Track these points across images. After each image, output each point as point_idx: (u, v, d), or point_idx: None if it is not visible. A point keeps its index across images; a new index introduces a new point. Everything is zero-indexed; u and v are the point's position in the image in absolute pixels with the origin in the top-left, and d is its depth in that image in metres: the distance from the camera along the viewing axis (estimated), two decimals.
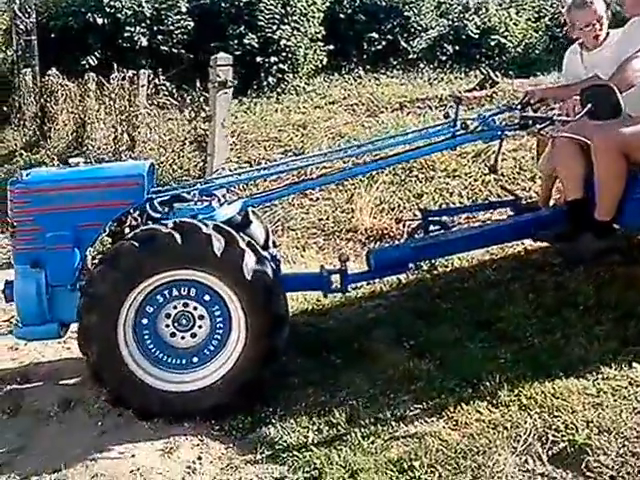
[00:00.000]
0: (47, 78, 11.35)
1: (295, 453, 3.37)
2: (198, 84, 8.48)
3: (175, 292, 3.74)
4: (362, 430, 3.47)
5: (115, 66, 9.74)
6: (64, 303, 3.89)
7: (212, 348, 3.79)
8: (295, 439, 3.47)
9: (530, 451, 3.18)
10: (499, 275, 5.17)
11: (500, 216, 5.87)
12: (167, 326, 3.78)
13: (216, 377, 3.75)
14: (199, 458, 3.45)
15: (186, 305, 3.76)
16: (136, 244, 3.58)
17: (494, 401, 3.56)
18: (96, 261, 3.90)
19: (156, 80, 9.00)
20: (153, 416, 3.75)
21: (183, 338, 3.79)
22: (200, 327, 3.78)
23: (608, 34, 4.99)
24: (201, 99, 8.25)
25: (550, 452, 3.17)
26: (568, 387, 3.58)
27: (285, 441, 3.46)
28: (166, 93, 8.70)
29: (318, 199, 7.64)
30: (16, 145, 11.38)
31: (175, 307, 3.76)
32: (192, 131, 7.86)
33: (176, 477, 3.34)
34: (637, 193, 4.17)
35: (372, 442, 3.37)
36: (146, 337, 3.76)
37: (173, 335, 3.79)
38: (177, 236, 3.56)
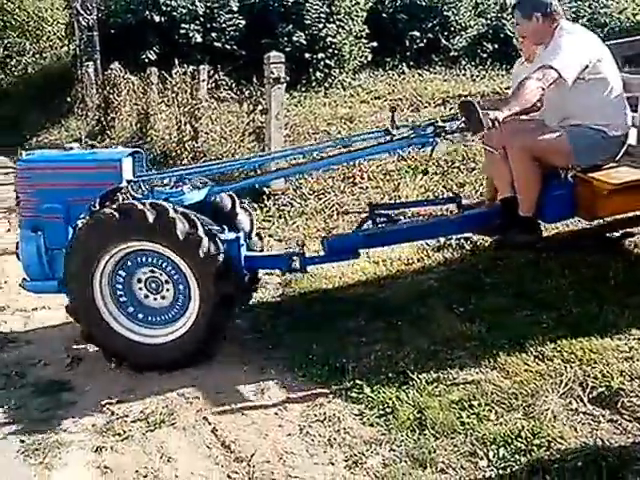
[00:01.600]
0: (110, 71, 11.92)
1: (369, 394, 3.92)
2: (255, 79, 9.01)
3: (144, 260, 4.41)
4: (426, 377, 4.01)
5: (176, 61, 10.30)
6: (61, 263, 4.54)
7: (175, 311, 4.46)
8: (368, 384, 4.01)
9: (573, 394, 3.69)
10: (536, 254, 5.65)
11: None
12: (140, 289, 4.49)
13: (176, 335, 4.43)
14: (287, 398, 4.03)
15: (153, 272, 4.43)
16: (115, 214, 4.24)
17: (539, 355, 4.08)
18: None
19: (216, 75, 9.54)
20: (117, 357, 4.52)
21: (155, 299, 4.48)
22: (167, 291, 4.45)
23: None
24: (258, 93, 8.78)
25: (590, 395, 3.67)
26: (603, 345, 4.08)
27: (360, 385, 4.01)
28: (226, 87, 9.24)
29: (367, 188, 8.18)
30: (80, 134, 11.98)
31: (145, 273, 4.45)
32: (251, 123, 8.40)
33: (269, 411, 3.91)
34: (551, 192, 4.73)
35: (435, 386, 3.91)
36: (120, 294, 4.46)
37: (146, 296, 4.50)
38: (149, 214, 4.19)
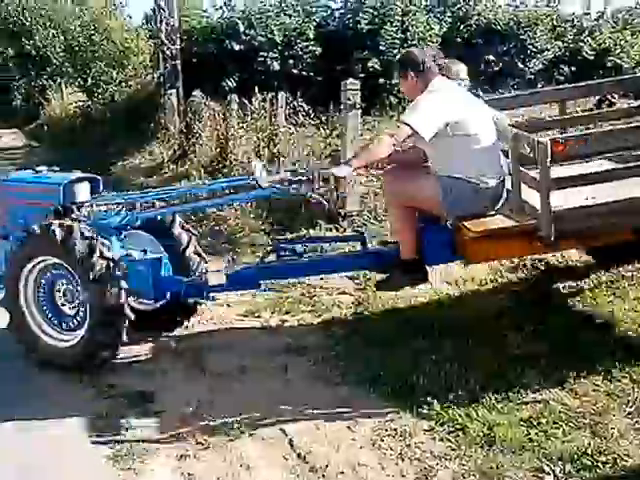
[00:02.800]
0: (191, 99, 12.32)
1: (439, 411, 4.05)
2: (332, 105, 9.24)
3: (61, 272, 5.08)
4: (495, 395, 4.12)
5: (256, 89, 10.62)
6: None
7: (79, 320, 5.08)
8: (438, 401, 4.14)
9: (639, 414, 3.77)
10: (610, 276, 5.69)
11: None
12: (59, 297, 5.18)
13: (76, 341, 5.03)
14: (360, 413, 4.19)
15: (69, 283, 5.09)
16: (36, 231, 4.96)
17: (608, 376, 4.16)
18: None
19: (295, 102, 9.81)
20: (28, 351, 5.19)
21: (68, 308, 5.15)
22: (76, 301, 5.09)
23: None
24: (334, 118, 8.98)
25: None
26: None
27: (431, 402, 4.14)
28: (304, 113, 9.50)
29: None
30: (163, 158, 12.40)
31: (62, 284, 5.13)
32: (327, 147, 8.61)
33: (342, 425, 4.09)
34: (430, 236, 4.88)
35: (504, 405, 4.03)
36: (42, 300, 5.19)
37: (63, 304, 5.17)
38: (58, 233, 4.84)
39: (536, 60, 15.89)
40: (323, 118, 9.12)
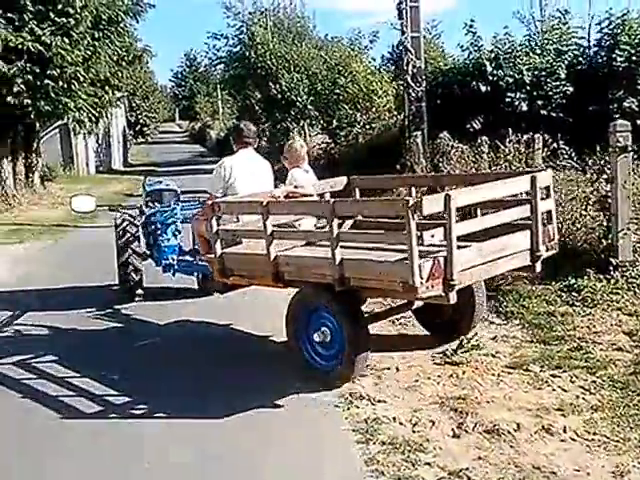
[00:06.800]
0: (439, 140, 12.26)
1: None
2: (598, 148, 8.71)
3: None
4: None
5: (510, 130, 10.32)
6: None
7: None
8: None
9: None
10: None
11: None
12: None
13: None
14: None
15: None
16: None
17: None
18: None
19: (554, 144, 9.39)
20: None
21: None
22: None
23: None
24: (601, 161, 8.47)
25: None
26: None
27: None
28: (565, 156, 9.06)
29: None
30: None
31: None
32: (594, 192, 8.13)
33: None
34: None
35: None
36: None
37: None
38: (118, 218, 8.81)
39: None
40: (590, 161, 8.63)
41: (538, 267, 5.78)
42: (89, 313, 8.19)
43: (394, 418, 4.95)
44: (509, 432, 4.63)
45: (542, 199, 5.71)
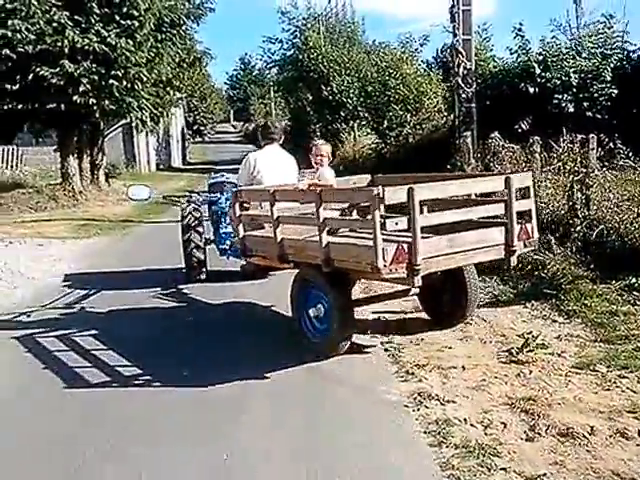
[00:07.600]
0: (490, 141, 11.85)
1: None
2: None
3: None
4: None
5: (564, 130, 9.89)
6: None
7: None
8: None
9: None
10: None
11: None
12: None
13: None
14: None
15: None
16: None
17: None
18: None
19: (610, 144, 8.96)
20: None
21: None
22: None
23: None
24: None
25: None
26: None
27: None
28: (623, 156, 8.65)
29: None
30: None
31: None
32: None
33: None
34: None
35: None
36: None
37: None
38: (184, 205, 9.36)
39: None
40: None
41: (513, 261, 5.80)
42: (153, 292, 8.57)
43: (465, 419, 4.62)
44: (584, 436, 4.29)
45: (519, 199, 5.79)
